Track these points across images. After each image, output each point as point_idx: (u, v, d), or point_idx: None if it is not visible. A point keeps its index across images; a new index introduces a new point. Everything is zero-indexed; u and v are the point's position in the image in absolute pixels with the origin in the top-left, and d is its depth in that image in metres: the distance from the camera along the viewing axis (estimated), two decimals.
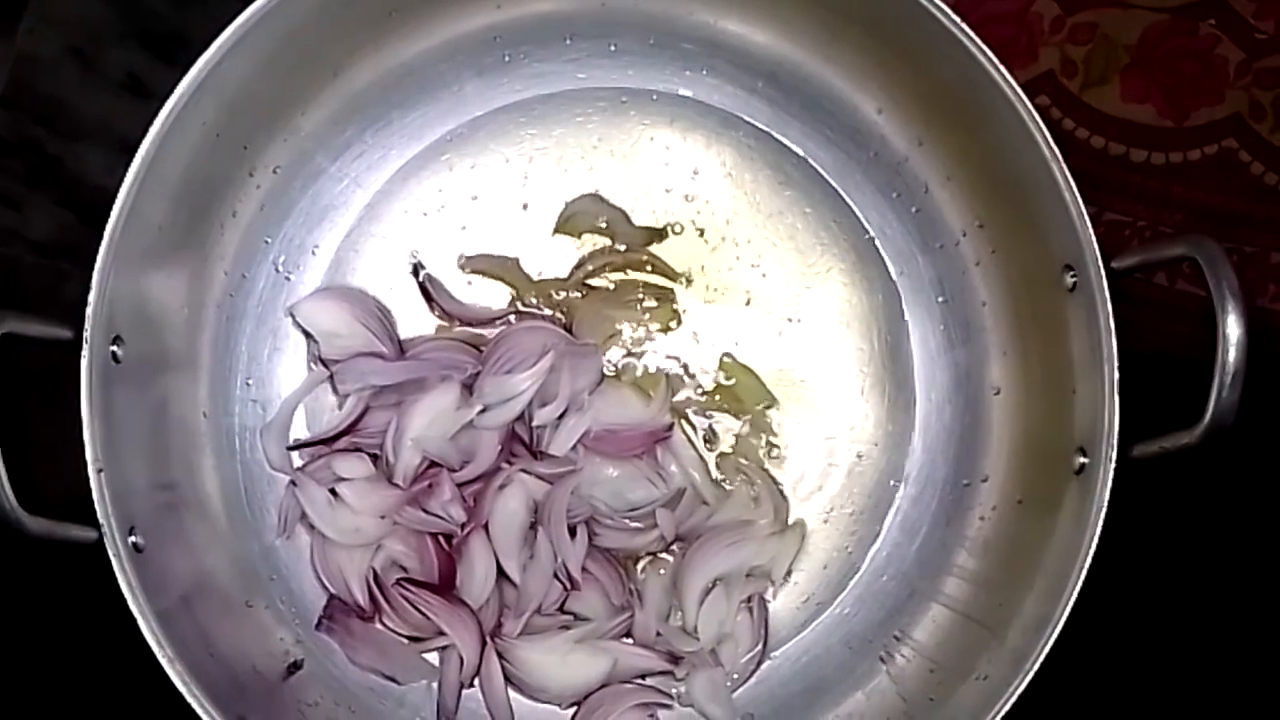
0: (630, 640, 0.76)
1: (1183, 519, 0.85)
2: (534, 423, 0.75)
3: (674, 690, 0.75)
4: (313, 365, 0.77)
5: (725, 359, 0.79)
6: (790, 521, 0.78)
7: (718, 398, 0.79)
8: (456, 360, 0.76)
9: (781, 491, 0.78)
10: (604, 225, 0.80)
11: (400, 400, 0.75)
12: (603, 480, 0.76)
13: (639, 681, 0.75)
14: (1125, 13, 0.87)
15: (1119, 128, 0.87)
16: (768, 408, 0.79)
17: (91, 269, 0.62)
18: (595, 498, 0.76)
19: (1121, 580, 0.82)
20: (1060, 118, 0.87)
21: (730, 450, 0.78)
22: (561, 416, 0.76)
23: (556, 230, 0.79)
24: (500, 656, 0.74)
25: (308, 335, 0.77)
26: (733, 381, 0.79)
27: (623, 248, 0.80)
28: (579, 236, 0.79)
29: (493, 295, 0.79)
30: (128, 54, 0.85)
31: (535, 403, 0.75)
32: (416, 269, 0.79)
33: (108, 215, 0.63)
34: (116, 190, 0.63)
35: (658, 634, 0.76)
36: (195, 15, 0.85)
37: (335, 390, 0.76)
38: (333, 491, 0.74)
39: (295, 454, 0.76)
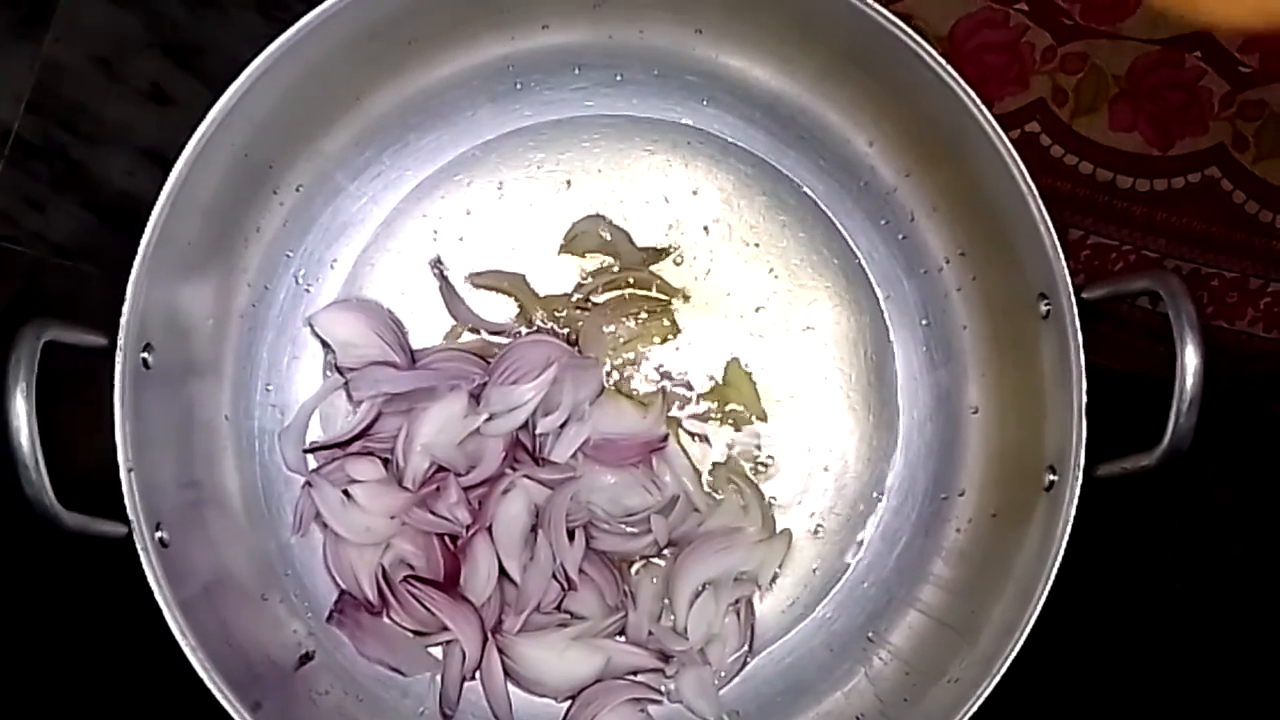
0: (623, 639, 0.77)
1: (1143, 530, 0.87)
2: (537, 431, 0.77)
3: (664, 687, 0.77)
4: (329, 373, 0.79)
5: (731, 363, 0.81)
6: (777, 530, 0.80)
7: (713, 404, 0.81)
8: (465, 370, 0.78)
9: (769, 501, 0.80)
10: (607, 245, 0.81)
11: (411, 408, 0.76)
12: (601, 487, 0.78)
13: (631, 678, 0.76)
14: (1115, 44, 0.87)
15: (1107, 155, 0.88)
16: (754, 418, 0.80)
17: (113, 272, 0.64)
18: (593, 503, 0.77)
19: (1087, 589, 0.85)
20: (1050, 144, 0.88)
21: (722, 461, 0.80)
22: (563, 426, 0.77)
23: (562, 249, 0.81)
24: (500, 652, 0.75)
25: (325, 344, 0.78)
26: (730, 386, 0.81)
27: (625, 267, 0.81)
28: (583, 255, 0.81)
29: (500, 309, 0.81)
30: (151, 63, 0.86)
31: (539, 412, 0.77)
32: (437, 264, 0.80)
33: (129, 220, 0.64)
34: (138, 195, 0.64)
35: (649, 633, 0.77)
36: (217, 28, 0.86)
37: (350, 397, 0.77)
38: (345, 493, 0.75)
39: (311, 456, 0.77)
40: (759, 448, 0.81)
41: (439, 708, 0.76)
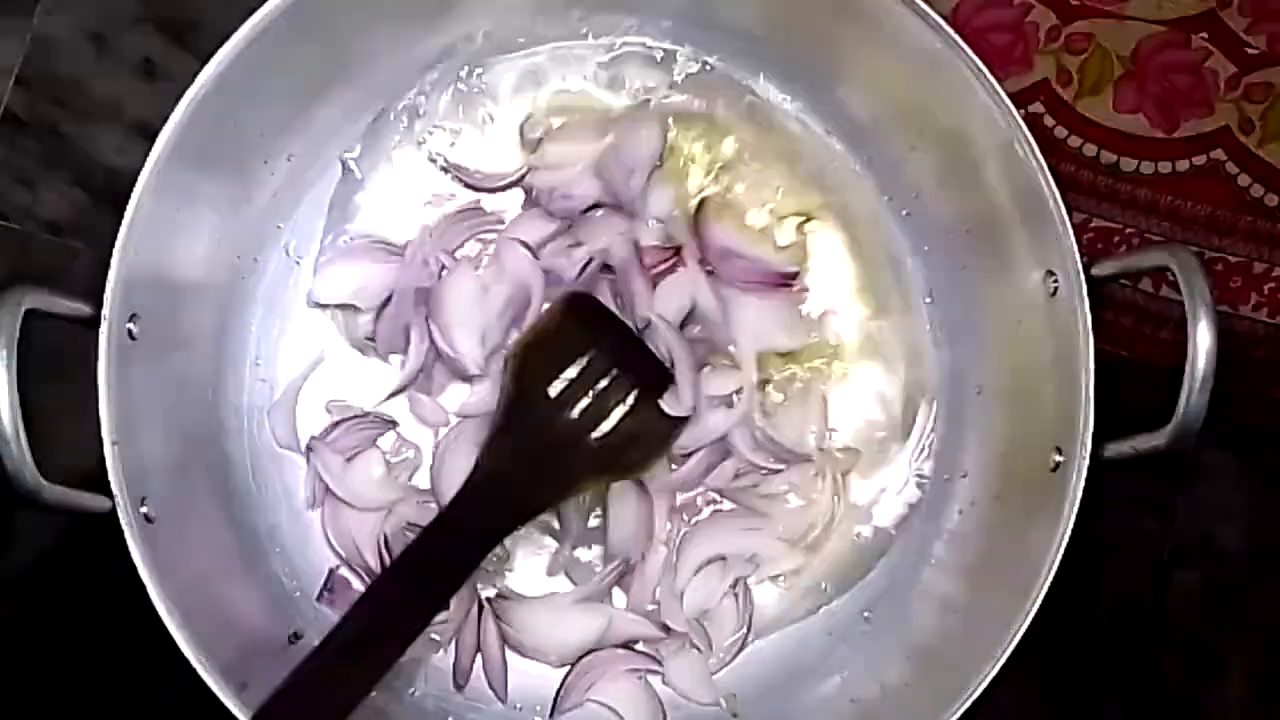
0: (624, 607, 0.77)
1: (1142, 517, 0.87)
2: (631, 195, 0.77)
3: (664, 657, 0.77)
4: (322, 350, 0.78)
5: None
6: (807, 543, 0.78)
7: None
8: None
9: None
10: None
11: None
12: (746, 319, 0.78)
13: (631, 649, 0.76)
14: (1120, 24, 0.87)
15: (1111, 136, 0.87)
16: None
17: (102, 248, 0.63)
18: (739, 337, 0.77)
19: (1085, 575, 0.85)
20: (1054, 125, 0.88)
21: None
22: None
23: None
24: (498, 617, 0.76)
25: (336, 309, 0.78)
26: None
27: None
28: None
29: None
30: (143, 38, 0.86)
31: (623, 174, 0.77)
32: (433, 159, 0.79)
33: (119, 196, 0.63)
34: (129, 171, 0.63)
35: (654, 599, 0.76)
36: (211, 2, 0.85)
37: (378, 351, 0.77)
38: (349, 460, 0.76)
39: (298, 429, 0.77)
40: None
41: (452, 679, 0.76)
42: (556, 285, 0.77)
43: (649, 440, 0.74)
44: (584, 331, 0.74)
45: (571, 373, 0.72)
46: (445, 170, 0.79)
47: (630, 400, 0.72)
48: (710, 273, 0.78)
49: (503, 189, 0.79)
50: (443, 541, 0.70)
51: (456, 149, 0.80)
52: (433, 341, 0.76)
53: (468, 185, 0.79)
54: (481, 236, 0.79)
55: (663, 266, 0.78)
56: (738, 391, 0.77)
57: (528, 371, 0.73)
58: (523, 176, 0.79)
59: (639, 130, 0.78)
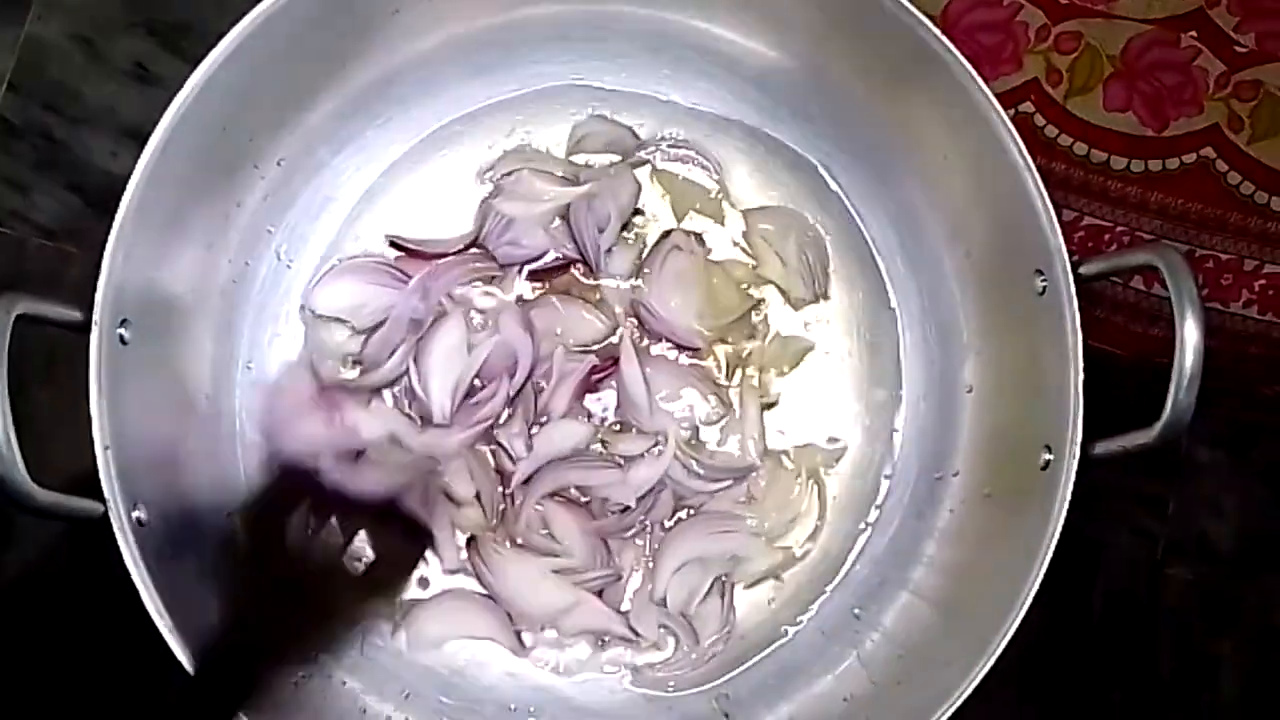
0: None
1: (1134, 514, 0.87)
2: (600, 247, 0.78)
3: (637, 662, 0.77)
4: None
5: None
6: (784, 544, 0.79)
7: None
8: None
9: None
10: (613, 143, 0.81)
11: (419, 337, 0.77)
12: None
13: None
14: (1110, 23, 0.87)
15: (1101, 135, 0.88)
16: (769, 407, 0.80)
17: (96, 252, 0.63)
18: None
19: (1078, 573, 0.85)
20: (1044, 124, 0.88)
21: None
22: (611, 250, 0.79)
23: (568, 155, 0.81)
24: (481, 560, 0.76)
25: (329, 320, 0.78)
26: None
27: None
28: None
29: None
30: (135, 42, 0.86)
31: (591, 227, 0.78)
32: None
33: (112, 200, 0.63)
34: (121, 175, 0.63)
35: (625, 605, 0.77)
36: (203, 6, 0.86)
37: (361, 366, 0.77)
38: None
39: None
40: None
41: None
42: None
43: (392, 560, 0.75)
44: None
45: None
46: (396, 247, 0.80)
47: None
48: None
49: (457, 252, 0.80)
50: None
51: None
52: (410, 379, 0.77)
53: (426, 255, 0.79)
54: (486, 281, 0.80)
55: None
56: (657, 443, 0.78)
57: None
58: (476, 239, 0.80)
59: (619, 180, 0.79)
